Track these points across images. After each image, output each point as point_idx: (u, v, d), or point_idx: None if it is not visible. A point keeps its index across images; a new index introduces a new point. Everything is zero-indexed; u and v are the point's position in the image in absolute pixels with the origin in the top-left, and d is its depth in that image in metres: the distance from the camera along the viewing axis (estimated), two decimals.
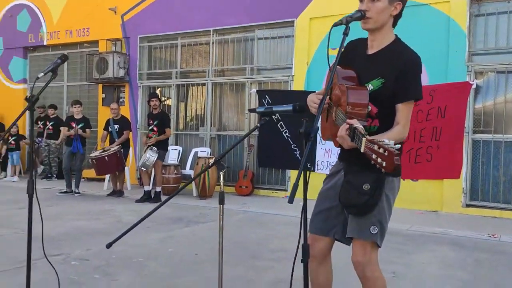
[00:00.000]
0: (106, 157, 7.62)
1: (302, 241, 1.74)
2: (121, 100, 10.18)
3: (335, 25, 1.92)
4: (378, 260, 2.08)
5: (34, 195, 2.51)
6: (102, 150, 7.87)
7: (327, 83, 1.91)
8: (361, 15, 1.97)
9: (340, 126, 1.88)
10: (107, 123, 8.24)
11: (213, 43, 9.17)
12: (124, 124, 8.17)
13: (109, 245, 2.28)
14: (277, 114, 8.61)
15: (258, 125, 2.11)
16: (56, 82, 11.11)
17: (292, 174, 8.25)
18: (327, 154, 8.10)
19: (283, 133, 8.12)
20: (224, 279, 2.48)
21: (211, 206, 6.99)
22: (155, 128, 7.52)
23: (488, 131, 6.80)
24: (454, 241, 5.06)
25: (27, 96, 2.21)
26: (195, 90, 9.74)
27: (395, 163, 1.44)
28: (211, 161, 7.84)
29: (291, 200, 1.57)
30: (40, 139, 10.97)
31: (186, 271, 3.76)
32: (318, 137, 2.06)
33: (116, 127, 8.09)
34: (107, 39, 10.23)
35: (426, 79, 7.06)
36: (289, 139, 7.22)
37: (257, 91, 8.58)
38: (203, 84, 9.37)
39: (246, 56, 9.01)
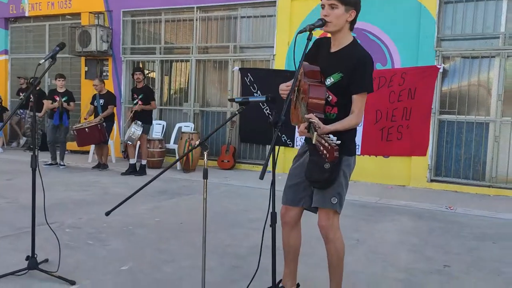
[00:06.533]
0: (86, 129, 7.86)
1: (271, 210, 2.15)
2: (104, 74, 10.31)
3: (300, 32, 2.29)
4: (341, 227, 2.52)
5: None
6: (85, 123, 8.10)
7: (294, 78, 2.30)
8: (322, 23, 2.33)
9: (301, 115, 2.28)
10: (94, 98, 8.41)
11: (196, 19, 9.35)
12: (109, 99, 8.36)
13: (107, 213, 2.64)
14: (258, 91, 8.94)
15: (237, 112, 2.48)
16: (38, 54, 11.16)
17: None
18: None
19: (264, 110, 8.49)
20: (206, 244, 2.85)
21: (194, 180, 7.34)
22: (139, 102, 7.78)
23: (452, 112, 7.30)
24: (415, 212, 5.59)
25: (30, 79, 2.52)
26: (179, 66, 9.96)
27: (335, 155, 1.85)
28: (194, 138, 8.19)
29: (261, 176, 1.94)
30: (22, 111, 11.02)
31: (171, 237, 4.16)
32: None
33: (101, 101, 8.28)
34: (90, 12, 10.27)
35: (398, 63, 7.49)
36: (269, 116, 7.63)
37: (240, 69, 8.88)
38: (187, 61, 9.59)
39: (230, 34, 9.23)
